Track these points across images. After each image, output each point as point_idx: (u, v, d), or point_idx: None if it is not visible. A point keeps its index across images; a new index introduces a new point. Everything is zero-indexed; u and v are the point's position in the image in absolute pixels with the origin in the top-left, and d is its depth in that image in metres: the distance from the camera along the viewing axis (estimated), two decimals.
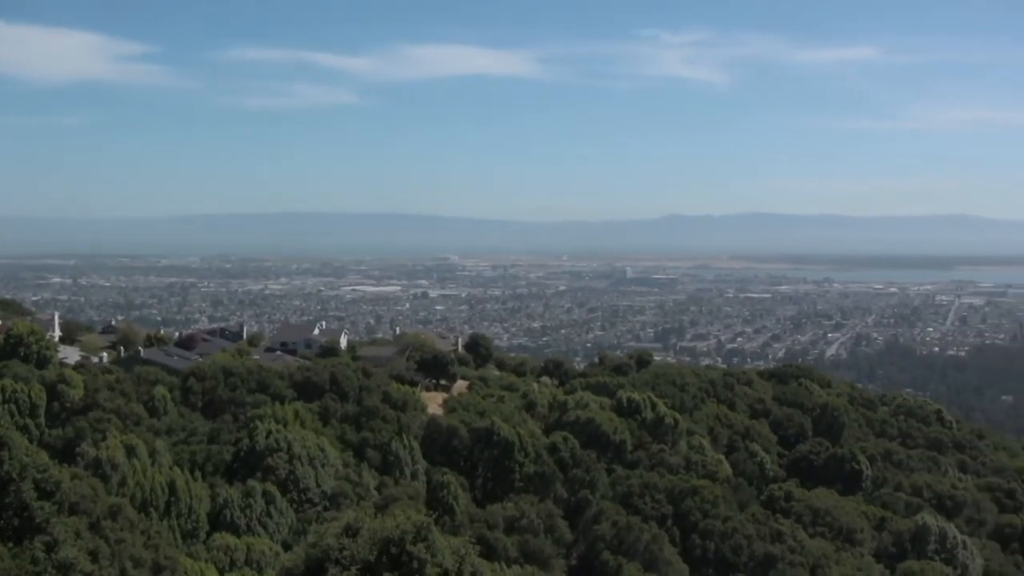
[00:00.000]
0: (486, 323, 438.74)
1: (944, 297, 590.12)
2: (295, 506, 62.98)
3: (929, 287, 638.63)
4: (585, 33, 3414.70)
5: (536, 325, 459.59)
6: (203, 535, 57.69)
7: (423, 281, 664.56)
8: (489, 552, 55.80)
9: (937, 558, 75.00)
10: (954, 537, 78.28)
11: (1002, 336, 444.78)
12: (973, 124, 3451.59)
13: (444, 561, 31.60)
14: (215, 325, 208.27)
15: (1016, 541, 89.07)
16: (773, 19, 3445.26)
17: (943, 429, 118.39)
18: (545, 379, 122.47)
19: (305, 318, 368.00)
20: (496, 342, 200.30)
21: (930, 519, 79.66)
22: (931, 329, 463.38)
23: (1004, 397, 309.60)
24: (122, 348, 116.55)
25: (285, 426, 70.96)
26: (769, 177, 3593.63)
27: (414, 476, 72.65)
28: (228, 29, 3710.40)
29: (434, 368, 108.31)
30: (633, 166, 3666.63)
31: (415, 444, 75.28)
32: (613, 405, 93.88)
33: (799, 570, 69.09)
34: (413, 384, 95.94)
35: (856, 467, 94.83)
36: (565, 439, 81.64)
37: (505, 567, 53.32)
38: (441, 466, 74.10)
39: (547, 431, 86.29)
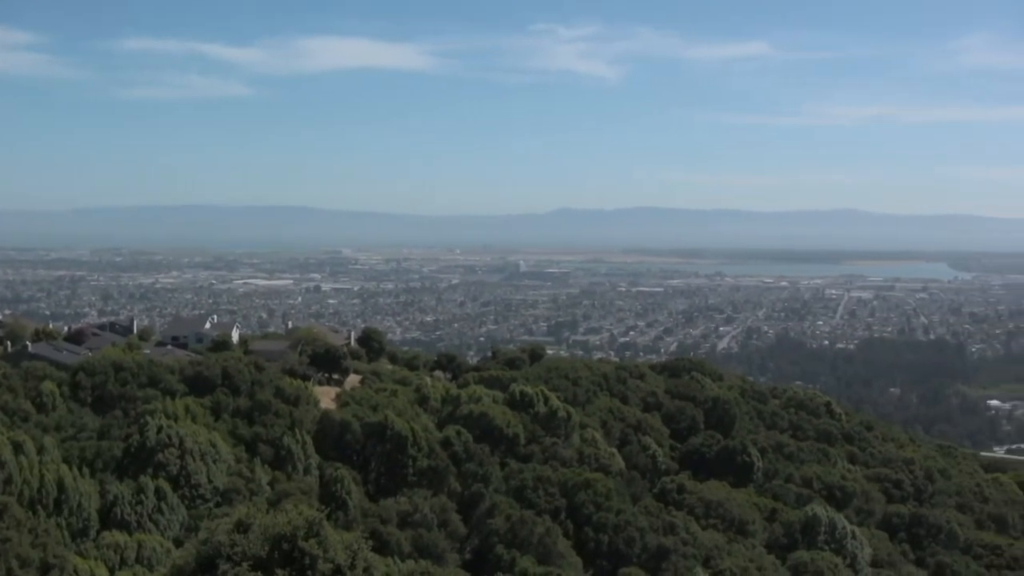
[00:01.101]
0: (379, 317, 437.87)
1: (834, 291, 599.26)
2: (187, 502, 62.20)
3: (819, 281, 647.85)
4: (479, 27, 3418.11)
5: (429, 319, 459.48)
6: (93, 533, 56.63)
7: (315, 275, 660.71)
8: (382, 547, 55.56)
9: (827, 548, 76.04)
10: (843, 527, 79.42)
11: (890, 329, 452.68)
12: (865, 121, 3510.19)
13: (336, 556, 31.38)
14: (105, 319, 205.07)
15: (903, 530, 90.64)
16: (667, 15, 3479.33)
17: (832, 421, 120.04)
18: (438, 373, 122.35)
19: (196, 312, 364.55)
20: (389, 336, 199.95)
21: (820, 510, 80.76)
22: (821, 323, 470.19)
23: (892, 389, 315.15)
24: (9, 343, 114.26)
25: (176, 421, 70.04)
26: (662, 172, 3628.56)
27: (307, 471, 72.12)
28: (120, 19, 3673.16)
29: (327, 362, 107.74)
30: (526, 160, 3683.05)
31: (308, 439, 74.72)
32: (506, 399, 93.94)
33: (691, 562, 69.61)
34: (306, 379, 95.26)
35: (747, 459, 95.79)
36: (458, 433, 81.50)
37: (398, 561, 53.18)
38: (334, 461, 73.64)
39: (440, 425, 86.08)
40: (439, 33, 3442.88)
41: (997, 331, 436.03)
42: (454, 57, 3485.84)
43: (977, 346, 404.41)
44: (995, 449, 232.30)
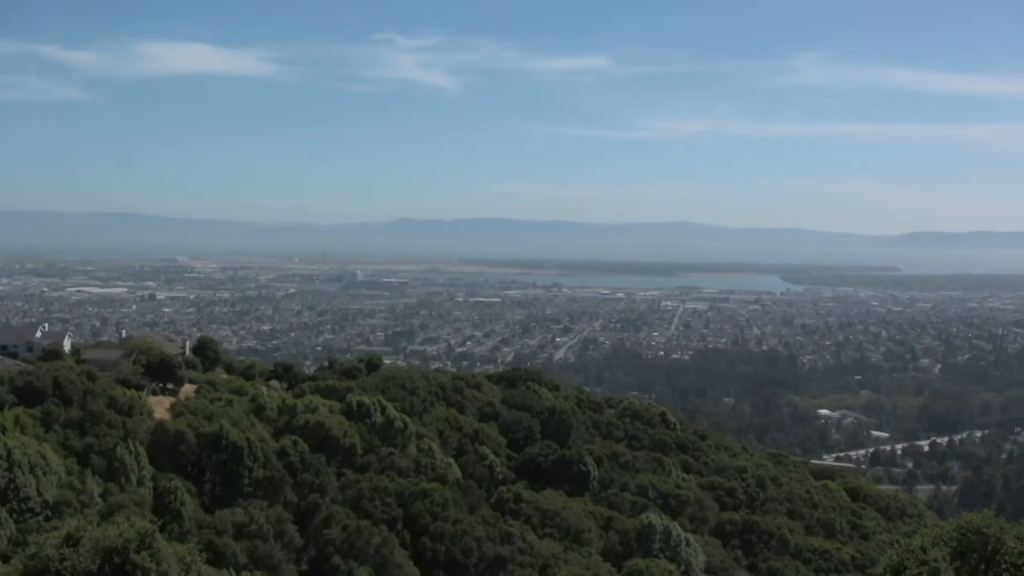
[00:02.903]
0: (215, 326, 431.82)
1: (670, 302, 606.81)
2: (15, 516, 60.56)
3: (655, 293, 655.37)
4: (321, 34, 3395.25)
5: (266, 328, 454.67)
6: None
7: (151, 283, 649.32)
8: (217, 558, 54.86)
9: (662, 556, 76.87)
10: (678, 535, 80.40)
11: (724, 340, 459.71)
12: (700, 135, 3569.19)
13: (169, 569, 30.90)
14: None
15: (736, 537, 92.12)
16: (507, 27, 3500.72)
17: (667, 430, 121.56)
18: (274, 383, 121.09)
19: (27, 320, 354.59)
20: (225, 345, 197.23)
21: (655, 518, 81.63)
22: (657, 334, 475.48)
23: (726, 399, 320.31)
24: None
25: (4, 432, 68.19)
26: (501, 183, 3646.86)
27: (140, 483, 70.80)
28: None
29: (161, 372, 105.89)
30: (366, 169, 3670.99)
31: (141, 450, 73.35)
32: (343, 408, 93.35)
33: (528, 571, 69.92)
34: (140, 388, 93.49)
35: (583, 468, 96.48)
36: (295, 443, 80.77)
37: (234, 573, 52.56)
38: (169, 472, 72.40)
39: (276, 435, 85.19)
40: (280, 40, 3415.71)
41: (827, 342, 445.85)
42: (295, 64, 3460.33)
43: (808, 357, 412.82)
44: (824, 457, 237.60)
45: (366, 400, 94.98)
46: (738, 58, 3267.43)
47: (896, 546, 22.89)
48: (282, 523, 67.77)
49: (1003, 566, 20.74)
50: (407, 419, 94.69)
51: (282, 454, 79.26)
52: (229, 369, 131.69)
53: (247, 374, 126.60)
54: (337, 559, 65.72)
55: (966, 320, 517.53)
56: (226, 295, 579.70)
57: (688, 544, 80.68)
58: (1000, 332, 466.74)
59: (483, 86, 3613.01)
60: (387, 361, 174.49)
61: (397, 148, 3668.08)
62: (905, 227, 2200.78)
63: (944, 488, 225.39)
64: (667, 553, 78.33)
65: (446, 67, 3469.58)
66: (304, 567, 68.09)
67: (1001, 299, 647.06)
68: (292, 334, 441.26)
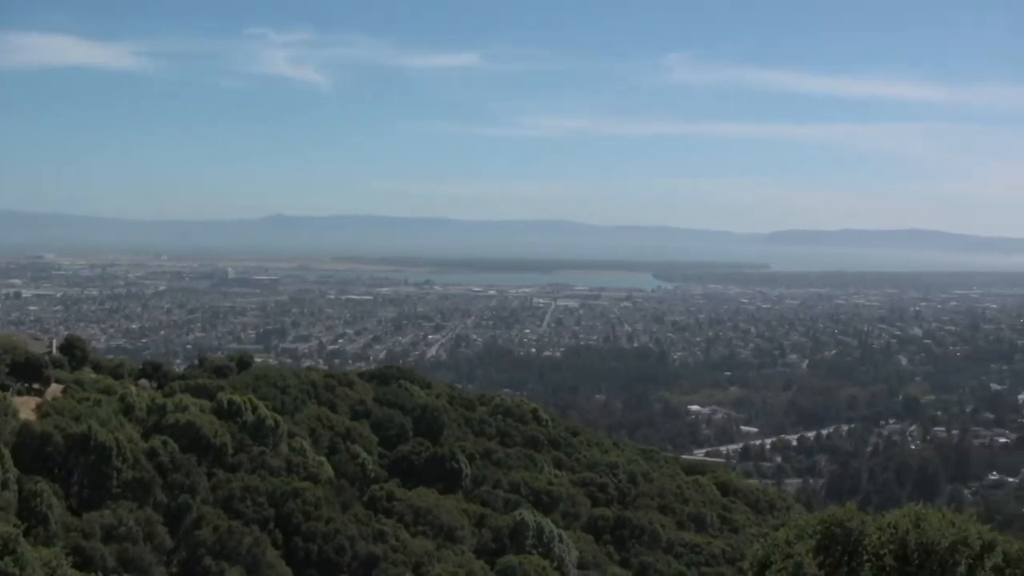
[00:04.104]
0: (83, 324, 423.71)
1: (542, 300, 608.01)
2: None
3: (528, 290, 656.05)
4: (191, 28, 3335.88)
5: (135, 326, 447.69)
6: None
7: (16, 280, 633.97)
8: (86, 562, 54.01)
9: (535, 552, 77.21)
10: (551, 531, 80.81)
11: (595, 337, 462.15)
12: (573, 133, 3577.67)
13: (34, 574, 30.41)
14: None
15: (609, 532, 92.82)
16: (379, 23, 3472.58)
17: (540, 427, 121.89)
18: (144, 382, 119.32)
19: None
20: (93, 344, 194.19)
21: (528, 515, 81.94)
22: (528, 331, 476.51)
23: (597, 395, 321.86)
24: None
25: None
26: (375, 179, 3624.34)
27: (5, 486, 69.28)
28: None
29: (26, 371, 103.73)
30: (237, 166, 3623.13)
31: (6, 452, 71.77)
32: (214, 408, 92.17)
33: (401, 569, 69.86)
34: (4, 389, 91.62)
35: (456, 466, 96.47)
36: (164, 443, 79.67)
37: None
38: (34, 474, 71.00)
39: (146, 435, 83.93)
40: (150, 34, 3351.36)
41: (698, 339, 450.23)
42: (166, 59, 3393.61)
43: (679, 353, 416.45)
44: (695, 452, 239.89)
45: (237, 399, 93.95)
46: (610, 57, 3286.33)
47: (763, 540, 23.26)
48: (152, 525, 66.85)
49: (865, 557, 21.18)
50: (279, 418, 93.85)
51: (152, 454, 78.16)
52: (97, 368, 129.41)
53: (116, 373, 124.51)
54: (208, 560, 65.05)
55: (833, 317, 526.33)
56: (94, 293, 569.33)
57: (561, 540, 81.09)
58: (866, 328, 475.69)
59: (355, 82, 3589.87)
60: (258, 359, 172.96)
61: (269, 144, 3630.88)
62: (775, 225, 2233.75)
63: (812, 481, 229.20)
64: (540, 549, 78.66)
65: (318, 63, 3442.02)
66: (175, 569, 67.24)
67: (867, 296, 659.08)
68: (162, 332, 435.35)
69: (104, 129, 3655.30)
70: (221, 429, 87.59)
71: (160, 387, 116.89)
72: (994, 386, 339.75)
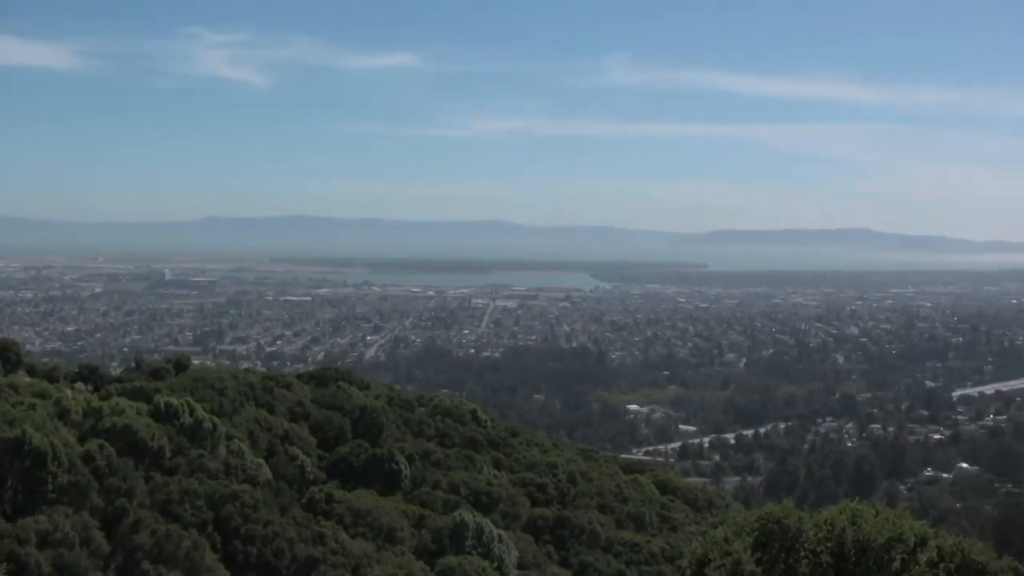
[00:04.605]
0: (17, 327, 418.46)
1: (480, 300, 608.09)
2: None
3: (466, 291, 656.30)
4: (127, 28, 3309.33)
5: (71, 329, 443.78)
6: None
7: None
8: (20, 569, 53.51)
9: (475, 552, 77.20)
10: (490, 531, 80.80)
11: (534, 338, 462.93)
12: (512, 134, 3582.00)
13: None
14: None
15: (548, 532, 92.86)
16: (318, 23, 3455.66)
17: (479, 428, 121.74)
18: (80, 385, 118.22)
19: None
20: (28, 347, 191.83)
21: (467, 515, 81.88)
22: (467, 331, 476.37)
23: (536, 396, 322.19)
24: None
25: None
26: (311, 180, 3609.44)
27: None
28: None
29: None
30: (173, 167, 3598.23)
31: None
32: (151, 410, 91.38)
33: (341, 571, 69.58)
34: None
35: (395, 467, 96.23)
36: (101, 447, 78.92)
37: None
38: None
39: (82, 439, 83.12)
40: (85, 33, 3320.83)
41: (636, 338, 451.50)
42: (103, 58, 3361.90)
43: (617, 353, 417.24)
44: (634, 451, 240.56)
45: (174, 401, 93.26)
46: (547, 58, 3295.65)
47: (701, 538, 23.40)
48: (88, 530, 66.23)
49: (802, 554, 21.36)
50: (216, 420, 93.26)
51: (88, 458, 77.47)
52: (32, 372, 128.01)
53: (51, 376, 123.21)
54: (146, 564, 64.52)
55: (770, 316, 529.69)
56: (28, 295, 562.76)
57: (500, 540, 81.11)
58: (803, 327, 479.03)
59: (293, 82, 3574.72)
60: (196, 361, 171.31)
61: (206, 145, 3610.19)
62: (712, 225, 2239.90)
63: (750, 479, 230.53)
64: (480, 550, 78.66)
65: (255, 63, 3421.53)
66: (112, 574, 66.70)
67: (804, 295, 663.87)
68: (98, 335, 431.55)
69: (40, 130, 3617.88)
70: (158, 432, 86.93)
71: (96, 390, 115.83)
72: (929, 383, 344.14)
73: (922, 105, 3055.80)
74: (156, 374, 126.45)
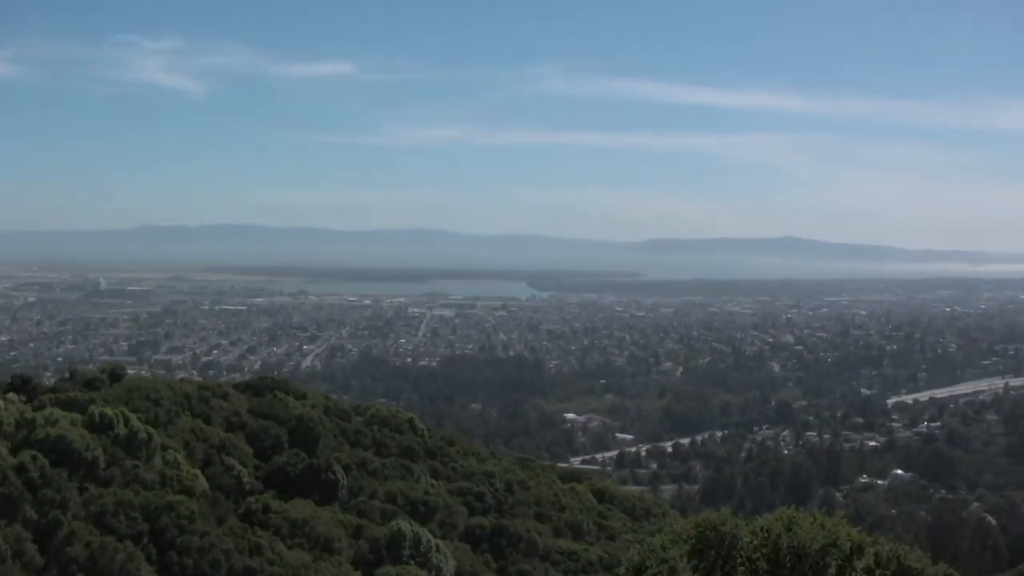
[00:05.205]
0: None
1: (417, 309, 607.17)
2: None
3: (403, 299, 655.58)
4: (61, 34, 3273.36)
5: (3, 339, 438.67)
6: None
7: None
8: None
9: (412, 562, 76.98)
10: (428, 541, 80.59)
11: (471, 346, 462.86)
12: (447, 143, 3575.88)
13: None
14: None
15: (486, 541, 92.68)
16: (252, 31, 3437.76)
17: (416, 437, 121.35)
18: (12, 395, 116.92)
19: None
20: None
21: (404, 525, 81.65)
22: (404, 340, 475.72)
23: (473, 405, 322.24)
24: None
25: None
26: (247, 189, 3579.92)
27: None
28: None
29: None
30: (108, 175, 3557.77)
31: None
32: (85, 421, 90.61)
33: None
34: None
35: (332, 477, 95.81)
36: (34, 458, 78.09)
37: None
38: None
39: (14, 450, 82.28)
40: (17, 39, 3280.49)
41: (573, 347, 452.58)
42: (36, 64, 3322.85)
43: (554, 362, 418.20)
44: (571, 460, 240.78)
45: (109, 412, 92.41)
46: (482, 67, 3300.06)
47: (639, 545, 23.47)
48: (21, 543, 65.54)
49: (738, 561, 21.48)
50: (152, 430, 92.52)
51: (20, 470, 76.65)
52: None
53: None
54: None
55: (707, 324, 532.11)
56: None
57: (438, 550, 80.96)
58: (739, 335, 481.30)
59: (229, 90, 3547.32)
60: (131, 371, 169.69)
61: (141, 153, 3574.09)
62: (649, 234, 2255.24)
63: (687, 487, 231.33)
64: (417, 559, 78.47)
65: (191, 71, 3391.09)
66: None
67: (740, 303, 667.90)
68: (31, 344, 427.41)
69: None
70: (93, 443, 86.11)
71: (29, 401, 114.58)
72: (864, 391, 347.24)
73: (853, 115, 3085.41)
74: (90, 384, 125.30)
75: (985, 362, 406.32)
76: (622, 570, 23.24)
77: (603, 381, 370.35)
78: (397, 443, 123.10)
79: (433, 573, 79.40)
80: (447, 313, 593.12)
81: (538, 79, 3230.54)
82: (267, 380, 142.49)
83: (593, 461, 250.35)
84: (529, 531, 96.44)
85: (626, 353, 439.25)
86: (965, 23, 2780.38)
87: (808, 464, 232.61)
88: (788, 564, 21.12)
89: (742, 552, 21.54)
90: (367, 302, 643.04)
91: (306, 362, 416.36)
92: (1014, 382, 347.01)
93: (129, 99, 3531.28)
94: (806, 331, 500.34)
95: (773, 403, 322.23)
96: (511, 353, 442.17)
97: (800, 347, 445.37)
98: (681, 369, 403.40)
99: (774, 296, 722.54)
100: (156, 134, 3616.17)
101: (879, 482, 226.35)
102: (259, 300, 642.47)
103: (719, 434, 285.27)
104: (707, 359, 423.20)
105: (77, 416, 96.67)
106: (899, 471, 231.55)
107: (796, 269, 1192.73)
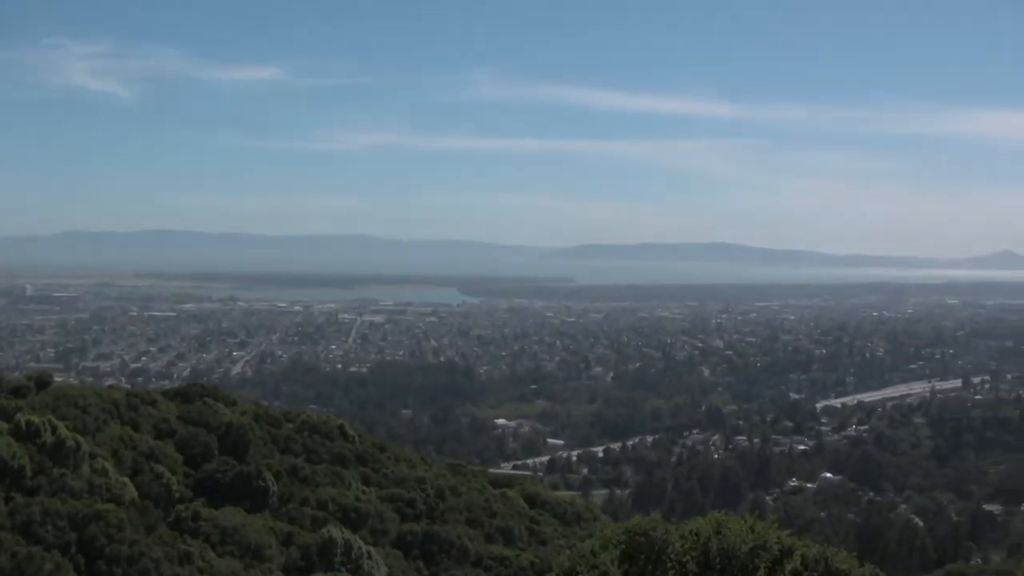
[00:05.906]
0: None
1: (347, 315, 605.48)
2: None
3: (333, 306, 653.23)
4: None
5: None
6: None
7: None
8: None
9: (343, 569, 76.65)
10: (359, 548, 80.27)
11: (402, 353, 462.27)
12: (376, 148, 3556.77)
13: None
14: None
15: (418, 547, 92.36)
16: (181, 35, 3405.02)
17: (347, 443, 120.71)
18: None
19: None
20: None
21: (336, 532, 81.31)
22: (334, 347, 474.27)
23: (404, 410, 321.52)
24: None
25: None
26: (175, 194, 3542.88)
27: None
28: None
29: None
30: (34, 180, 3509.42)
31: None
32: (11, 429, 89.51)
33: None
34: None
35: (263, 484, 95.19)
36: None
37: None
38: None
39: None
40: None
41: (503, 353, 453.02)
42: None
43: (485, 367, 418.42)
44: (503, 465, 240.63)
45: (35, 419, 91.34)
46: (412, 72, 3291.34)
47: (569, 551, 23.58)
48: None
49: (668, 564, 21.63)
50: (79, 438, 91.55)
51: None
52: None
53: None
54: None
55: (637, 330, 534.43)
56: None
57: (370, 557, 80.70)
58: (669, 341, 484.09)
59: (158, 95, 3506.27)
60: (58, 378, 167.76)
61: (68, 157, 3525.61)
62: (579, 239, 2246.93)
63: (618, 492, 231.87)
64: (349, 566, 78.20)
65: (119, 75, 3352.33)
66: None
67: (669, 309, 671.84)
68: None
69: None
70: (19, 451, 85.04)
71: None
72: (793, 395, 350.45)
73: (782, 121, 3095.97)
74: (17, 392, 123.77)
75: (912, 366, 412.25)
76: (553, 575, 23.34)
77: (534, 386, 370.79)
78: (328, 450, 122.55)
79: None
80: (378, 319, 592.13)
81: (469, 84, 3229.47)
82: (197, 387, 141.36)
83: (524, 466, 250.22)
84: (461, 537, 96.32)
85: (557, 359, 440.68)
86: (893, 29, 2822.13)
87: (738, 468, 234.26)
88: (718, 567, 21.30)
89: (672, 556, 21.70)
90: (297, 308, 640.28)
91: (236, 369, 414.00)
92: (940, 386, 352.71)
93: (56, 103, 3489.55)
94: (735, 336, 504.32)
95: (703, 408, 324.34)
96: (442, 359, 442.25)
97: (730, 352, 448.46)
98: (611, 374, 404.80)
99: (703, 301, 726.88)
100: (84, 138, 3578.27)
101: (808, 485, 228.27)
102: (188, 306, 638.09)
103: (650, 439, 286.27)
104: (637, 364, 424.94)
105: (3, 424, 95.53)
106: (828, 474, 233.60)
107: (725, 274, 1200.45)
